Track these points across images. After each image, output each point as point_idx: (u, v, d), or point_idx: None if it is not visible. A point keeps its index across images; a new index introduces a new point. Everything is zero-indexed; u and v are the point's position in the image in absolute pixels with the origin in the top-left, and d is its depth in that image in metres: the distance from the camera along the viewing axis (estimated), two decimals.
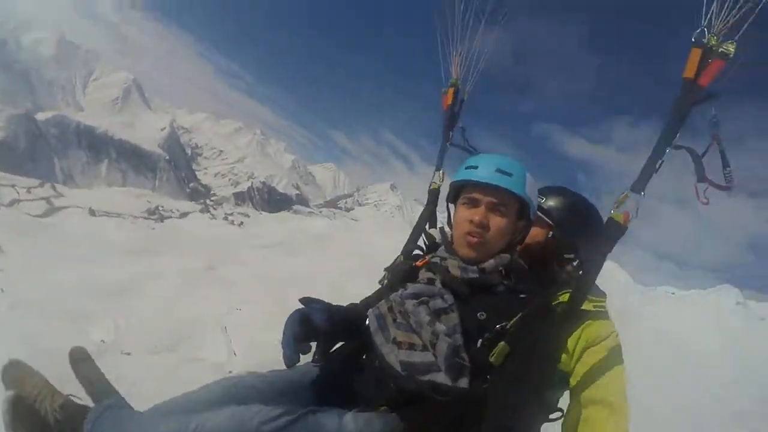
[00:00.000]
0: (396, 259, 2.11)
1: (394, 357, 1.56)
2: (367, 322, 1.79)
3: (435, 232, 2.03)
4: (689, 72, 1.38)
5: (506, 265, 1.74)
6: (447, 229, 1.97)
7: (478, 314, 1.60)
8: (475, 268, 1.71)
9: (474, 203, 1.74)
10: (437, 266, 1.78)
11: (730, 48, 1.32)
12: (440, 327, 1.54)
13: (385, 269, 2.05)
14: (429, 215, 2.29)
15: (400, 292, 1.75)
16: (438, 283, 1.73)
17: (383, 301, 1.79)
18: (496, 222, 1.72)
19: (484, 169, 1.72)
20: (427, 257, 1.91)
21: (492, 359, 1.48)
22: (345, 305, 2.00)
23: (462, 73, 2.31)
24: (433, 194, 2.33)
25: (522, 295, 1.68)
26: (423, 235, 2.17)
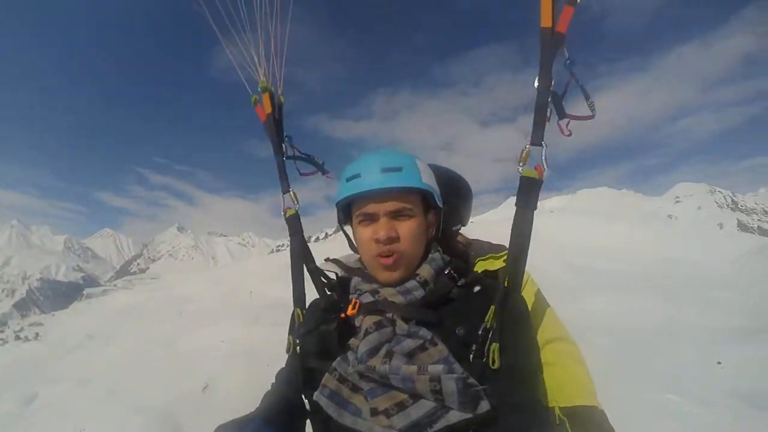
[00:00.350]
0: (293, 316, 1.68)
1: (381, 428, 1.24)
2: (307, 406, 1.48)
3: (331, 266, 1.67)
4: (546, 22, 1.40)
5: (445, 266, 1.51)
6: (350, 255, 1.73)
7: (456, 331, 1.36)
8: (415, 283, 1.44)
9: (371, 218, 1.45)
10: (379, 303, 1.42)
11: None
12: (435, 368, 1.23)
13: (291, 334, 1.61)
14: (300, 247, 1.80)
15: (347, 356, 1.37)
16: (398, 321, 1.37)
17: (327, 375, 1.37)
18: (405, 228, 1.44)
19: (368, 174, 1.44)
20: (355, 300, 1.46)
21: (494, 366, 1.29)
22: (270, 402, 1.55)
23: (269, 76, 1.97)
24: (294, 221, 1.84)
25: (476, 288, 1.47)
26: (310, 274, 1.76)
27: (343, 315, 1.44)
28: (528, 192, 1.43)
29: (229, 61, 1.98)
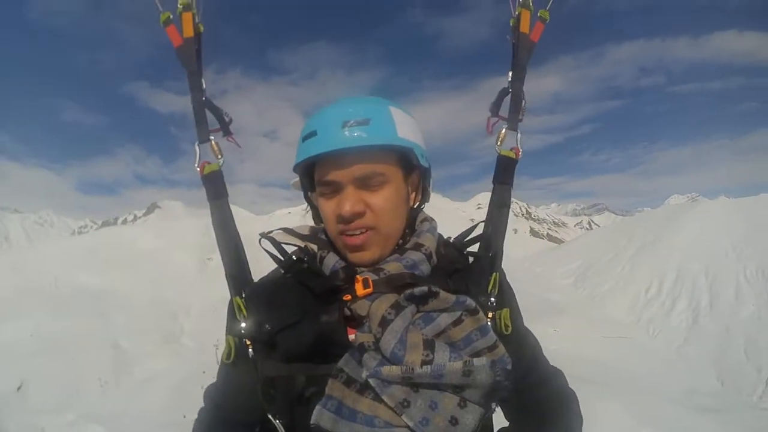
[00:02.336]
0: (231, 308, 1.24)
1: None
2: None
3: (288, 238, 1.31)
4: (524, 28, 1.47)
5: (440, 239, 1.30)
6: (302, 226, 1.35)
7: (479, 299, 1.19)
8: (421, 255, 1.16)
9: (334, 188, 1.13)
10: (397, 276, 1.10)
11: (546, 15, 1.50)
12: (481, 342, 1.05)
13: (232, 334, 1.22)
14: (227, 216, 1.37)
15: (355, 353, 1.04)
16: (442, 292, 1.06)
17: (332, 382, 1.03)
18: (378, 199, 1.12)
19: (327, 130, 1.11)
20: (360, 277, 1.11)
21: (507, 332, 1.20)
22: None
23: None
24: (215, 180, 1.39)
25: (466, 251, 1.32)
26: (274, 246, 1.32)
27: (347, 297, 1.09)
28: (505, 169, 1.42)
29: None
